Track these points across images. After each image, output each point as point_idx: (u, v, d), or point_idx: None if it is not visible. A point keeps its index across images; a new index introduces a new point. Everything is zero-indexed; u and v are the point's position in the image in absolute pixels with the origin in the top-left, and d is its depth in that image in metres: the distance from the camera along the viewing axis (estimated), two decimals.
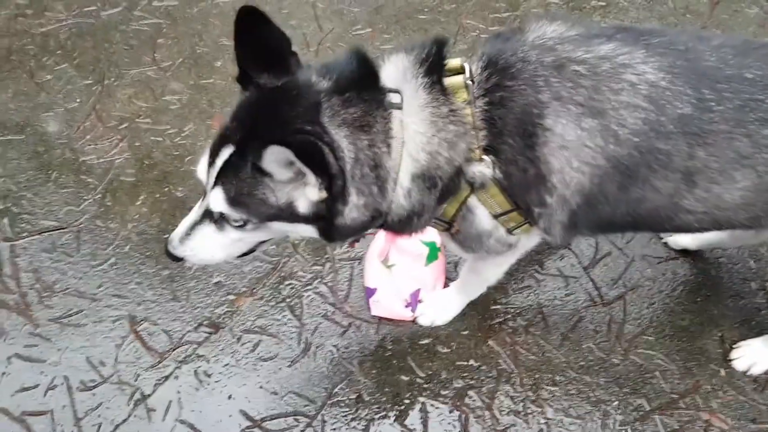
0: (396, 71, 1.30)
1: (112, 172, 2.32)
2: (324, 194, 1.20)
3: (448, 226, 1.45)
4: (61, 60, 2.61)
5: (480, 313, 2.03)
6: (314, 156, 1.11)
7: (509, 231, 1.43)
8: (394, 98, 1.26)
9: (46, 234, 2.21)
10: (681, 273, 2.10)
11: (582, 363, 1.96)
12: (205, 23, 2.67)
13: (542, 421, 1.87)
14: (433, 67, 1.28)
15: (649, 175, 1.26)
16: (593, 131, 1.24)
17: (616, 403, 1.90)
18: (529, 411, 1.89)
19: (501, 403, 1.90)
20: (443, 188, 1.31)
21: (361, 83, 1.25)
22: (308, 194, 1.22)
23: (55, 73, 2.58)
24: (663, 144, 1.23)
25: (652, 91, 1.22)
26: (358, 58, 1.27)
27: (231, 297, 2.08)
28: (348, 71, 1.25)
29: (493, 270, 1.79)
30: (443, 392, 1.92)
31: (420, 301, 2.02)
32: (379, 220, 1.32)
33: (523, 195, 1.33)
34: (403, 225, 1.35)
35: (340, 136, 1.20)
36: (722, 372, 1.94)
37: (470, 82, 1.28)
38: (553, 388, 1.92)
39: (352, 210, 1.24)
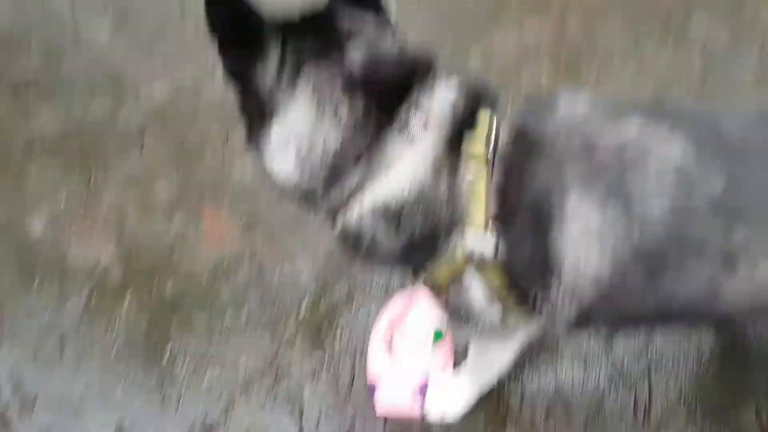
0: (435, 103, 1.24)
1: (98, 272, 2.22)
2: None
3: (437, 294, 1.34)
4: (46, 162, 2.56)
5: (494, 401, 1.88)
6: None
7: (505, 314, 1.32)
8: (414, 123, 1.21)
9: (27, 341, 2.08)
10: (708, 341, 1.97)
11: None
12: (194, 117, 2.65)
13: None
14: (460, 123, 1.23)
15: (682, 264, 1.16)
16: (617, 219, 1.15)
17: None
18: None
19: None
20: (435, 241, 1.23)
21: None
22: None
23: (40, 174, 2.52)
24: (696, 228, 1.14)
25: (680, 174, 1.15)
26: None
27: (223, 401, 1.93)
28: None
29: (499, 352, 1.66)
30: None
31: (427, 394, 1.87)
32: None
33: (525, 282, 1.23)
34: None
35: None
36: None
37: (489, 150, 1.21)
38: None
39: None
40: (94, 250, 2.28)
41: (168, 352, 2.03)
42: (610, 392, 1.89)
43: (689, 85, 2.57)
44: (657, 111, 1.25)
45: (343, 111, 1.19)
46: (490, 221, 1.19)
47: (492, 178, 1.19)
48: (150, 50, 2.88)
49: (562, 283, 1.19)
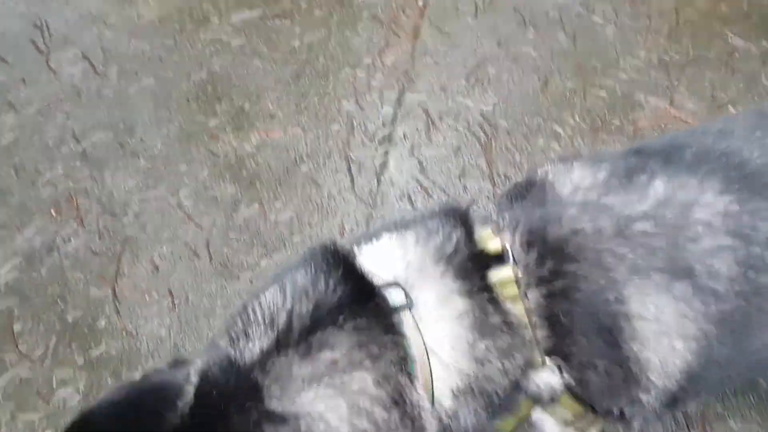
0: (400, 268, 0.99)
1: None
2: None
3: None
4: None
5: None
6: None
7: None
8: (395, 296, 0.94)
9: None
10: None
11: None
12: (63, 282, 2.16)
13: None
14: (470, 261, 0.99)
15: (763, 314, 1.03)
16: (689, 297, 0.99)
17: None
18: None
19: None
20: (500, 402, 1.00)
21: (335, 304, 0.92)
22: None
23: None
24: (766, 277, 1.01)
25: (729, 222, 1.01)
26: (311, 265, 0.96)
27: None
28: (298, 304, 0.92)
29: None
30: None
31: None
32: None
33: (607, 401, 1.06)
34: None
35: (312, 402, 0.86)
36: None
37: (519, 273, 0.99)
38: None
39: None
40: None
41: None
42: None
43: None
44: (665, 158, 1.09)
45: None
46: (547, 357, 1.00)
47: (528, 302, 0.99)
48: None
49: (652, 391, 1.03)
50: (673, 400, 1.10)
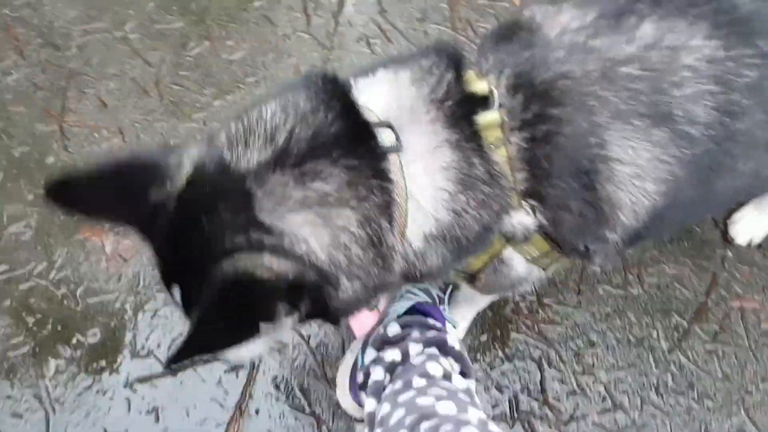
0: (393, 107, 0.98)
1: None
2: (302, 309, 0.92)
3: (470, 278, 1.20)
4: None
5: (488, 309, 1.83)
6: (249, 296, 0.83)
7: (546, 270, 1.20)
8: (386, 137, 0.95)
9: None
10: None
11: (607, 310, 1.84)
12: (6, 116, 2.08)
13: (600, 388, 1.76)
14: (459, 106, 0.98)
15: (732, 164, 1.07)
16: (665, 142, 1.00)
17: (656, 332, 1.81)
18: (583, 384, 1.76)
19: (554, 392, 1.75)
20: (469, 246, 1.05)
21: (332, 137, 0.92)
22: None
23: None
24: (741, 123, 1.03)
25: (714, 68, 1.00)
26: (312, 90, 0.95)
27: None
28: (297, 125, 0.92)
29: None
30: (494, 412, 1.74)
31: None
32: (389, 287, 1.04)
33: (576, 239, 1.10)
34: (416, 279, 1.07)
35: (299, 225, 0.88)
36: (729, 254, 1.90)
37: (504, 118, 0.99)
38: (593, 350, 1.79)
39: (347, 291, 0.95)
40: None
41: None
42: None
43: None
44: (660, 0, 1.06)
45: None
46: (525, 198, 1.02)
47: (510, 146, 1.00)
48: None
49: (618, 229, 1.08)
50: (635, 238, 1.16)
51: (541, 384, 1.76)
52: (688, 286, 1.86)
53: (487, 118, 0.98)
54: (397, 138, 0.95)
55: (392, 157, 0.94)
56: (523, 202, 1.02)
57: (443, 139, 0.96)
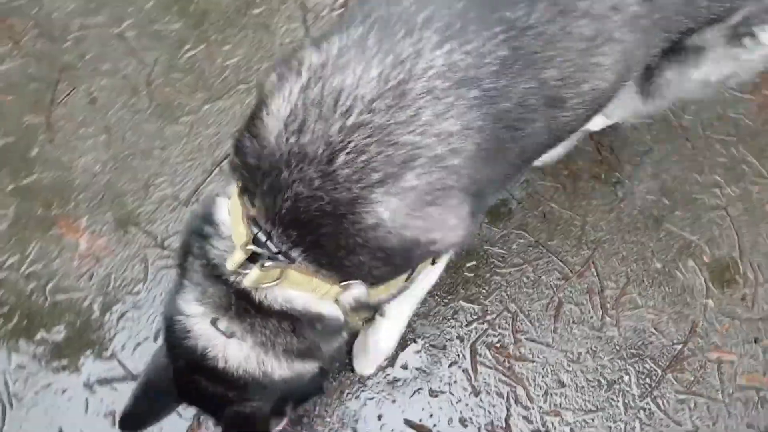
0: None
1: None
2: None
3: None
4: None
5: (457, 333, 1.80)
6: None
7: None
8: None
9: None
10: (632, 212, 1.96)
11: (580, 350, 1.80)
12: None
13: (566, 429, 1.72)
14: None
15: (517, 135, 1.07)
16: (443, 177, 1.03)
17: (627, 377, 1.77)
18: (548, 424, 1.72)
19: (518, 429, 1.71)
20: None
21: None
22: None
23: None
24: (507, 103, 1.02)
25: (454, 77, 0.98)
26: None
27: None
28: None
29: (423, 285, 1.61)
30: None
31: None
32: None
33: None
34: None
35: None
36: (711, 303, 1.86)
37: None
38: (562, 390, 1.76)
39: None
40: None
41: None
42: (563, 292, 1.87)
43: None
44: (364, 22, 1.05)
45: None
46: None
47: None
48: None
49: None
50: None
51: (506, 421, 1.72)
52: (665, 333, 1.82)
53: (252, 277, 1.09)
54: None
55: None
56: (337, 287, 1.11)
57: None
